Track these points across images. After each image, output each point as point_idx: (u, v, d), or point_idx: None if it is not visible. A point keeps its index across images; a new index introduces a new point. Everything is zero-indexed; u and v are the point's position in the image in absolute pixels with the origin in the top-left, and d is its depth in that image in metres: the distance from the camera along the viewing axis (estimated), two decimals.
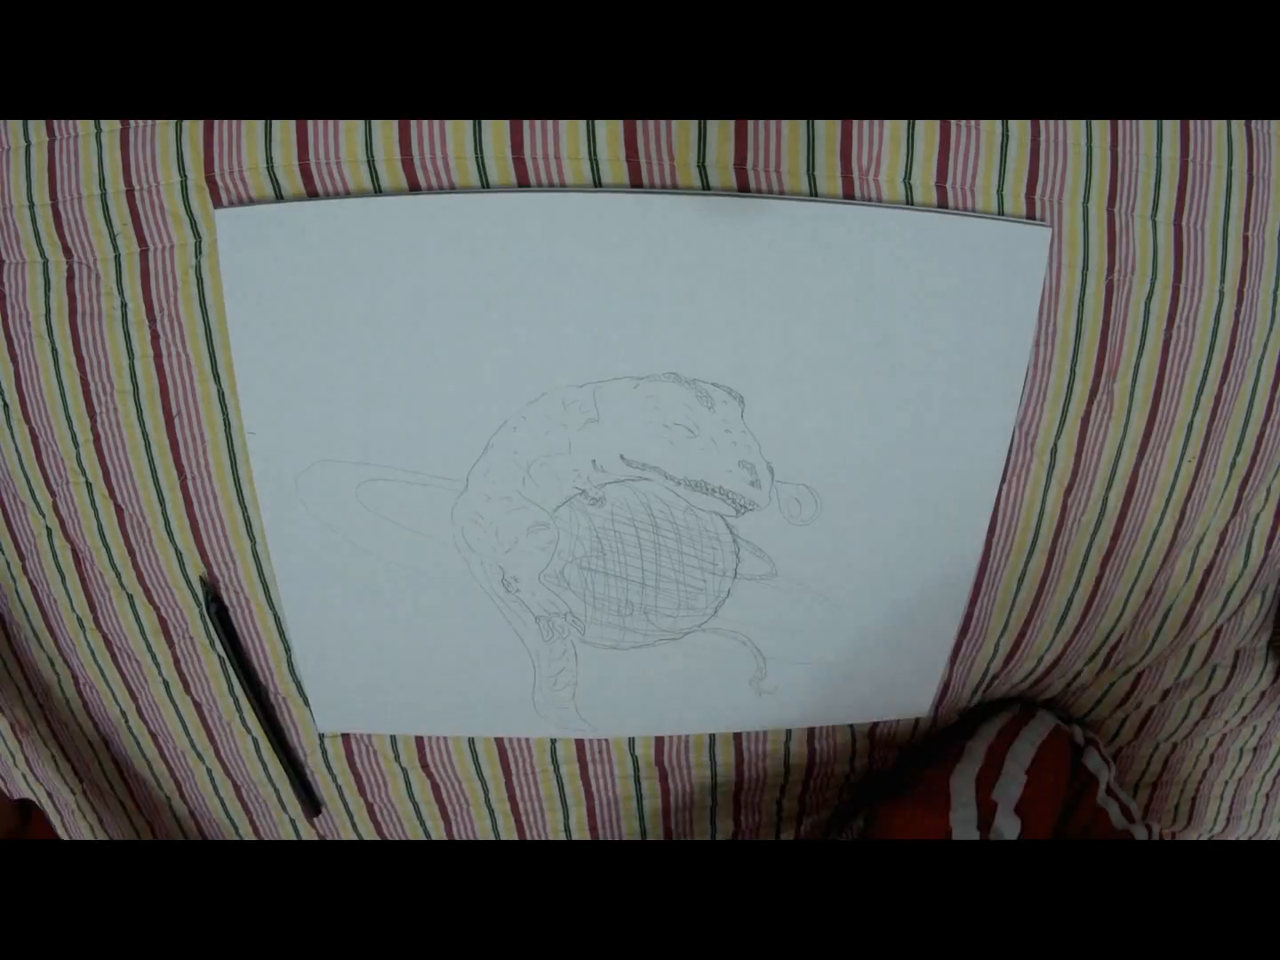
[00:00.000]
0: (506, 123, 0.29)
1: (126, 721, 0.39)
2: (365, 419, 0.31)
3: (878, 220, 0.30)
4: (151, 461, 0.33)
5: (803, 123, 0.29)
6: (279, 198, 0.29)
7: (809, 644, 0.37)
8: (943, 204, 0.31)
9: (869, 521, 0.34)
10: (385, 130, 0.29)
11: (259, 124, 0.29)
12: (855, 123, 0.30)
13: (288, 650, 0.36)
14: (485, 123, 0.29)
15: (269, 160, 0.29)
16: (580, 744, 0.39)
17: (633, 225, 0.29)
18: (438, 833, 0.41)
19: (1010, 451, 0.34)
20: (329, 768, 0.39)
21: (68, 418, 0.33)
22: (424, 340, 0.30)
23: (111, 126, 0.29)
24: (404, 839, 0.41)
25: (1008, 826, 0.36)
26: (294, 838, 0.42)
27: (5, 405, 0.33)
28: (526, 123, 0.29)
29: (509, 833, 0.41)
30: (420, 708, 0.37)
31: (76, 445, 0.33)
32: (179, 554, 0.34)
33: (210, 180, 0.29)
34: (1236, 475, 0.38)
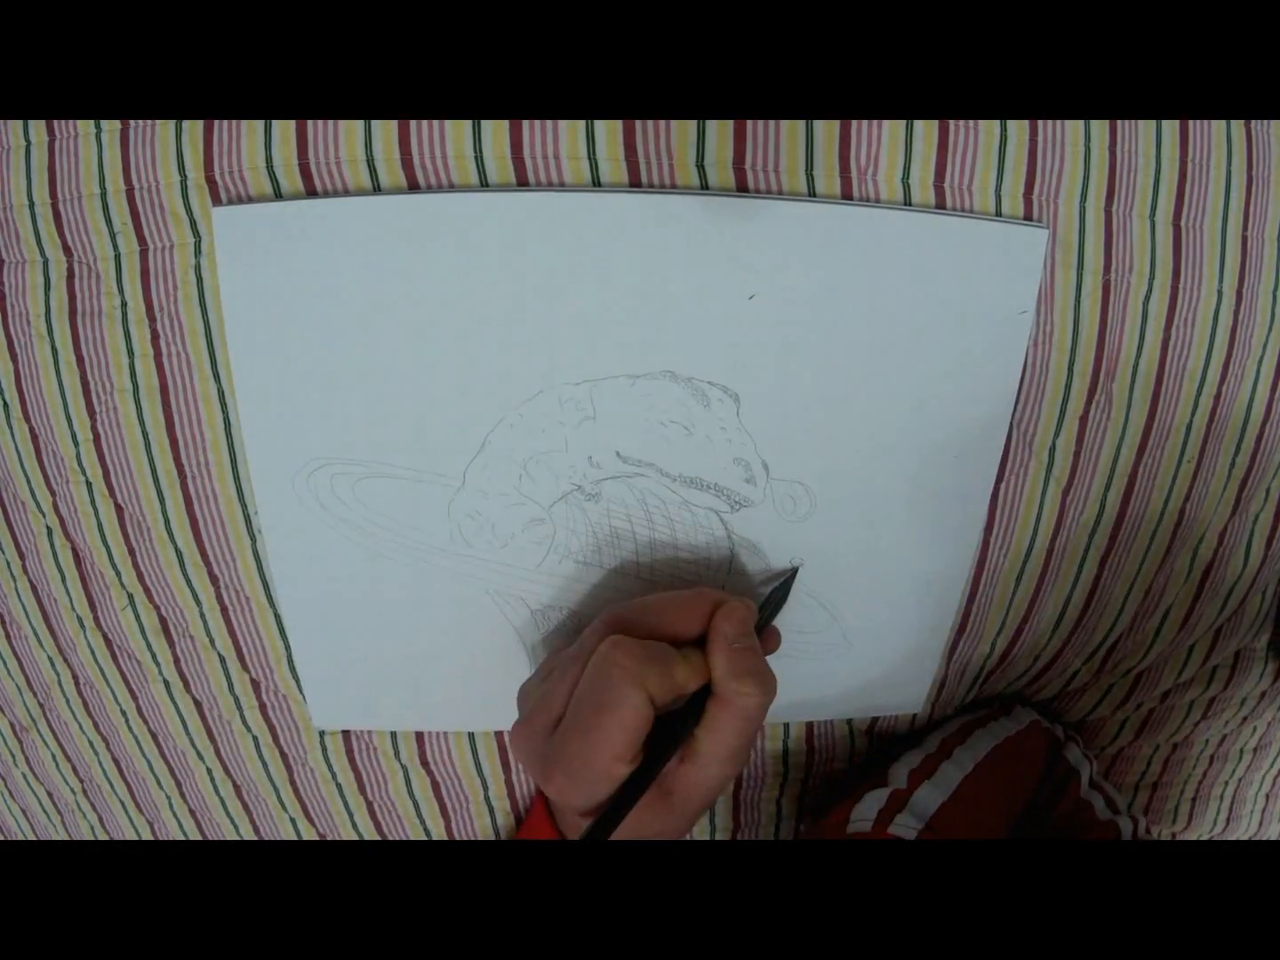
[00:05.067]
0: (506, 122, 0.29)
1: (126, 721, 0.39)
2: (363, 417, 0.31)
3: (876, 220, 0.30)
4: (151, 461, 0.33)
5: (801, 122, 0.29)
6: (279, 197, 0.29)
7: (804, 640, 0.37)
8: (940, 204, 0.31)
9: (864, 519, 0.34)
10: (385, 130, 0.29)
11: (259, 123, 0.29)
12: (854, 123, 0.30)
13: (288, 649, 0.36)
14: (485, 122, 0.29)
15: (269, 160, 0.29)
16: None
17: (631, 224, 0.29)
18: (438, 831, 0.41)
19: (1008, 450, 0.34)
20: (329, 766, 0.39)
21: (67, 417, 0.33)
22: (422, 338, 0.30)
23: (111, 126, 0.29)
24: (404, 838, 0.41)
25: (910, 818, 0.35)
26: (294, 838, 0.42)
27: (5, 404, 0.33)
28: (526, 122, 0.29)
29: (509, 831, 0.41)
30: (417, 703, 0.37)
31: (76, 444, 0.33)
32: (179, 553, 0.34)
33: (210, 179, 0.29)
34: (1235, 476, 0.38)
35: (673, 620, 0.30)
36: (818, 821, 0.39)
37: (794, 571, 0.35)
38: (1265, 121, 0.33)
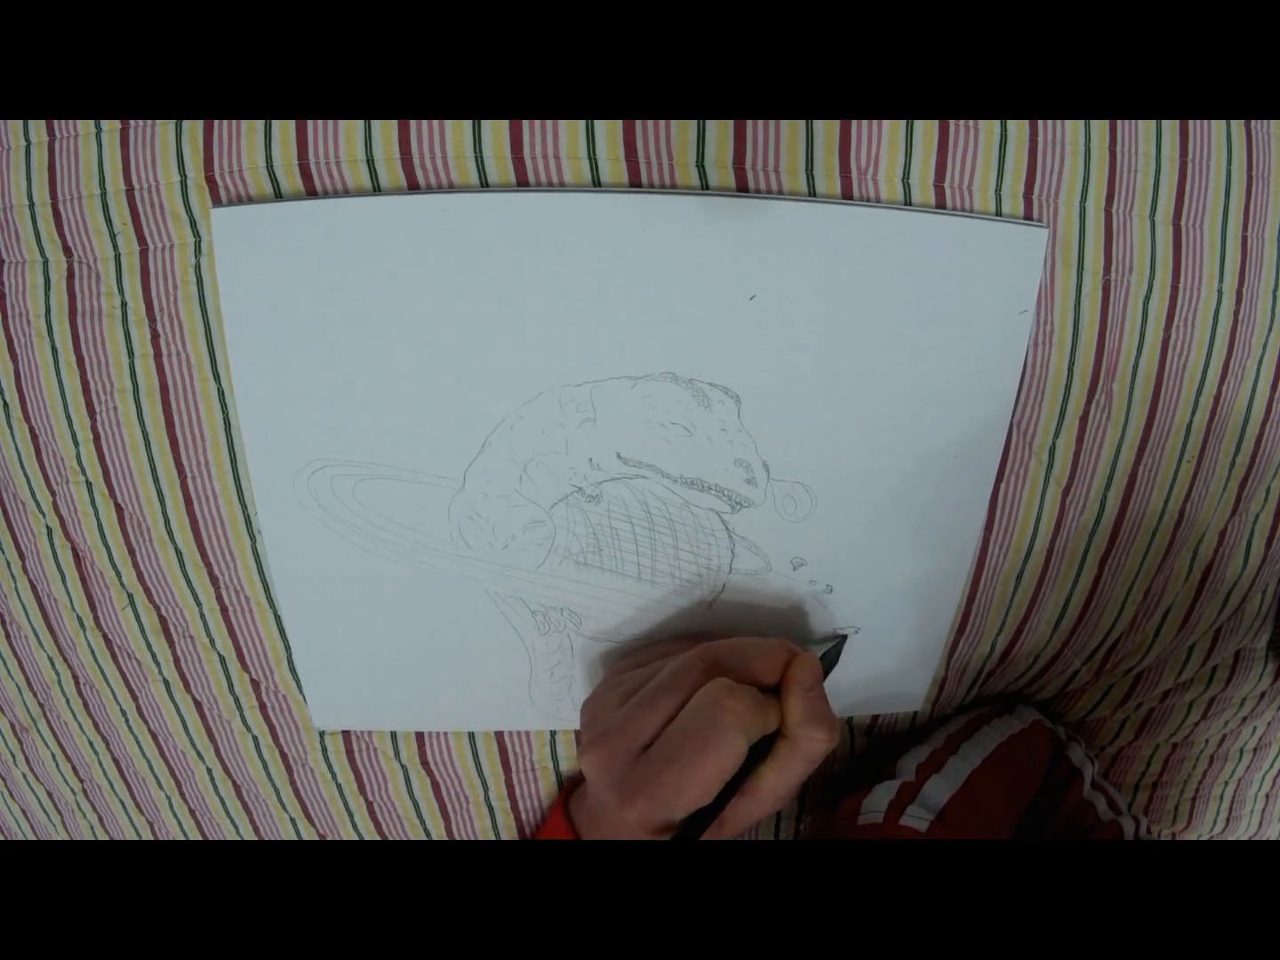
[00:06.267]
0: (506, 122, 0.29)
1: (126, 721, 0.39)
2: (362, 418, 0.31)
3: (876, 220, 0.30)
4: (151, 461, 0.33)
5: (802, 122, 0.29)
6: (278, 197, 0.29)
7: (803, 640, 0.37)
8: (940, 204, 0.31)
9: (864, 519, 0.34)
10: (385, 130, 0.29)
11: (259, 124, 0.29)
12: (854, 122, 0.30)
13: (288, 649, 0.36)
14: (485, 122, 0.29)
15: (268, 160, 0.29)
16: (579, 739, 0.39)
17: (631, 225, 0.29)
18: (438, 831, 0.41)
19: (1008, 450, 0.34)
20: (329, 766, 0.39)
21: (68, 417, 0.33)
22: (422, 339, 0.30)
23: (111, 126, 0.29)
24: (404, 838, 0.41)
25: (922, 809, 0.36)
26: (294, 838, 0.42)
27: (5, 404, 0.33)
28: (526, 122, 0.29)
29: (509, 831, 0.41)
30: (418, 704, 0.37)
31: (76, 444, 0.33)
32: (179, 553, 0.34)
33: (210, 180, 0.29)
34: (1235, 475, 0.38)
35: (758, 665, 0.31)
36: (826, 813, 0.39)
37: (844, 638, 0.36)
38: (1265, 121, 0.33)
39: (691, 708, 0.29)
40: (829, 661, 0.35)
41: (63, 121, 0.29)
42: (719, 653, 0.31)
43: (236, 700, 0.38)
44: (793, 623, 0.37)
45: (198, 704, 0.38)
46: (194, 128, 0.29)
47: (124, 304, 0.31)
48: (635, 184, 0.29)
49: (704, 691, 0.29)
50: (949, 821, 0.35)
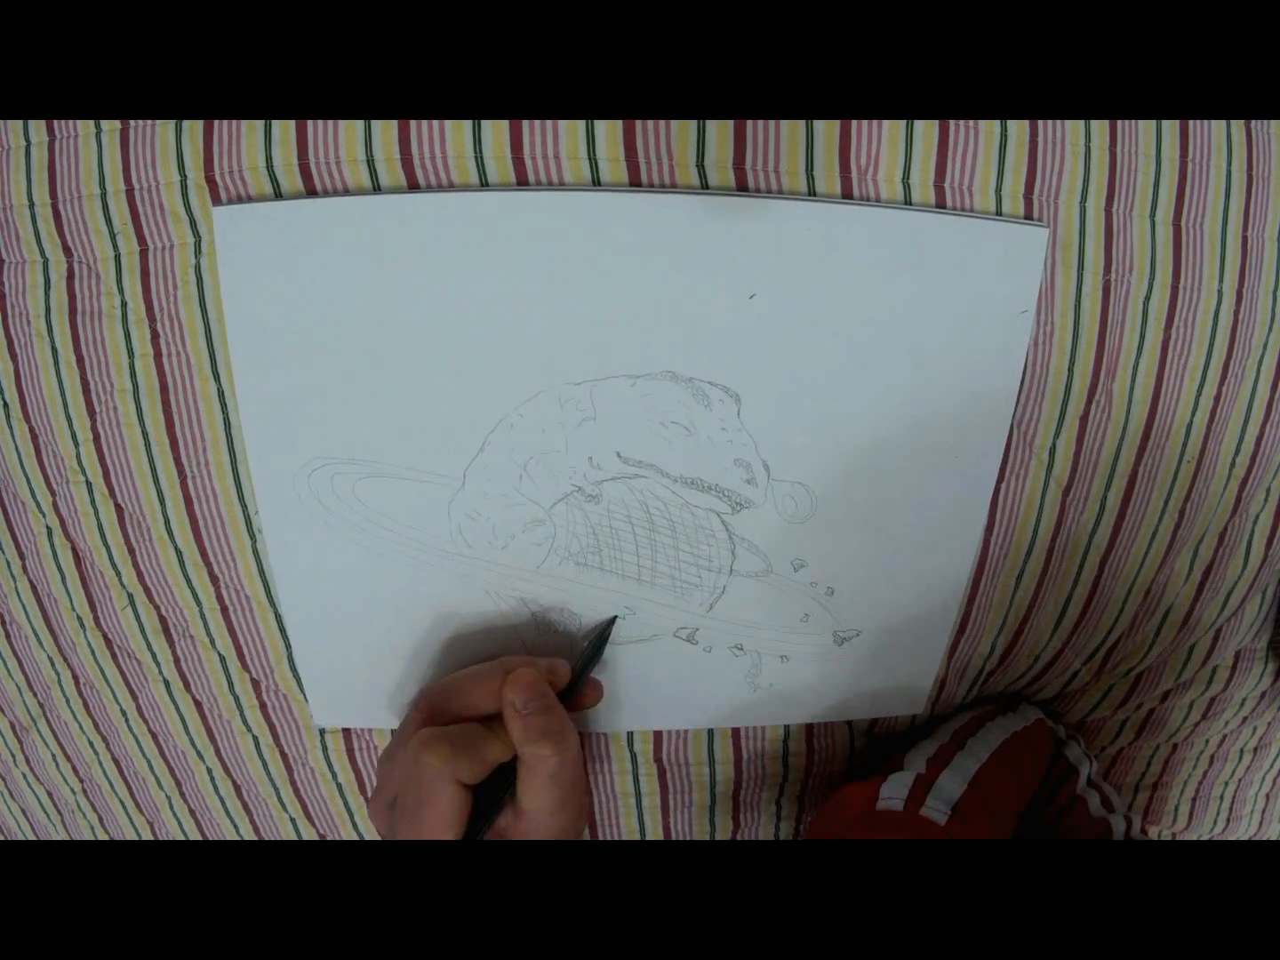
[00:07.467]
0: (506, 122, 0.29)
1: (126, 721, 0.39)
2: (363, 416, 0.31)
3: (876, 220, 0.30)
4: (151, 461, 0.33)
5: (801, 122, 0.29)
6: (278, 197, 0.29)
7: (804, 641, 0.37)
8: (941, 204, 0.31)
9: (865, 520, 0.34)
10: (385, 130, 0.29)
11: (259, 124, 0.29)
12: (854, 122, 0.30)
13: (288, 648, 0.36)
14: (485, 122, 0.29)
15: (268, 160, 0.29)
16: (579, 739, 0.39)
17: (631, 224, 0.29)
18: None
19: (1008, 450, 0.34)
20: (329, 765, 0.39)
21: (68, 417, 0.33)
22: (422, 338, 0.30)
23: (111, 126, 0.29)
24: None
25: (939, 801, 0.35)
26: (294, 838, 0.42)
27: (5, 404, 0.33)
28: (526, 122, 0.29)
29: None
30: None
31: (76, 444, 0.33)
32: (179, 553, 0.34)
33: (210, 180, 0.29)
34: (1236, 476, 0.38)
35: (475, 697, 0.31)
36: (834, 795, 0.38)
37: (611, 622, 0.36)
38: (1265, 121, 0.33)
39: (403, 764, 0.30)
40: (589, 655, 0.34)
41: (63, 121, 0.29)
42: (432, 697, 0.32)
43: (236, 700, 0.38)
44: (794, 624, 0.36)
45: (198, 704, 0.38)
46: (194, 128, 0.29)
47: (124, 304, 0.31)
48: (635, 184, 0.29)
49: (408, 749, 0.30)
50: (965, 816, 0.35)
